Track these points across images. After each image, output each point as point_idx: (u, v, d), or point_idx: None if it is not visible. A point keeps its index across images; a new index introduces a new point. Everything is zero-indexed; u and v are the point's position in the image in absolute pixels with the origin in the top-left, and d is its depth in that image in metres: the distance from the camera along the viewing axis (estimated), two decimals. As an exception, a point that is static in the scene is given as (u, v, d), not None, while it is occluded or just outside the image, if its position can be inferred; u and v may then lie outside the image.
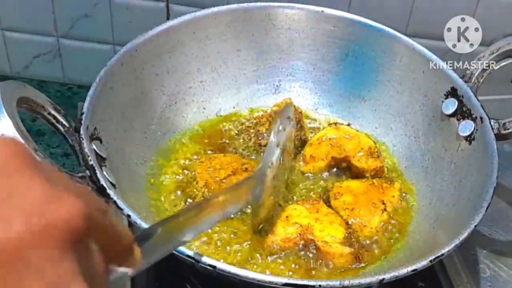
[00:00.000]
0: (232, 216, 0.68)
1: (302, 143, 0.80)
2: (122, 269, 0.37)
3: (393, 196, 0.73)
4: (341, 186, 0.74)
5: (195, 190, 0.72)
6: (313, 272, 0.65)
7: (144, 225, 0.55)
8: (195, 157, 0.78)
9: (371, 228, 0.70)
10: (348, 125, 0.84)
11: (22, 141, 0.55)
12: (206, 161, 0.75)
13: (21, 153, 0.28)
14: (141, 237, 0.42)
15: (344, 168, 0.78)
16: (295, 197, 0.74)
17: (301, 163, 0.78)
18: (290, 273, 0.65)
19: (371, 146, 0.78)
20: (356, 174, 0.77)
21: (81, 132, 0.62)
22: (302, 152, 0.79)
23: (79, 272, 0.27)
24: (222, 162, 0.75)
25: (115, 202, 0.57)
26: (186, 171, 0.76)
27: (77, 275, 0.27)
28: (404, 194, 0.75)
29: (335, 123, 0.82)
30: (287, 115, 0.70)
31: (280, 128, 0.66)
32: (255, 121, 0.81)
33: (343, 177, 0.77)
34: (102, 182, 0.59)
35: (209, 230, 0.67)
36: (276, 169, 0.65)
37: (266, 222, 0.68)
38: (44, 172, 0.28)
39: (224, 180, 0.72)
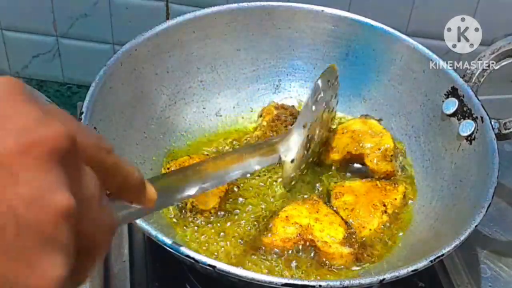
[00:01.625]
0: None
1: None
2: (135, 205, 0.38)
3: (395, 199, 0.73)
4: (343, 186, 0.74)
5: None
6: (313, 272, 0.65)
7: (144, 224, 0.55)
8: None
9: (370, 229, 0.70)
10: (379, 120, 0.82)
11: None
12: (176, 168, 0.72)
13: (18, 86, 0.29)
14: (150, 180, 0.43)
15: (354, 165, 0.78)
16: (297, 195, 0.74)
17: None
18: (290, 273, 0.65)
19: (388, 148, 0.76)
20: (366, 173, 0.76)
21: (81, 131, 0.62)
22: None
23: (66, 183, 0.27)
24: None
25: (114, 202, 0.57)
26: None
27: (64, 185, 0.27)
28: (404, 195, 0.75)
29: (366, 115, 0.82)
30: (327, 78, 0.71)
31: (320, 90, 0.68)
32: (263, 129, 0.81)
33: (348, 175, 0.77)
34: (102, 182, 0.58)
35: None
36: (310, 131, 0.68)
37: (298, 179, 0.71)
38: (38, 103, 0.29)
39: None
